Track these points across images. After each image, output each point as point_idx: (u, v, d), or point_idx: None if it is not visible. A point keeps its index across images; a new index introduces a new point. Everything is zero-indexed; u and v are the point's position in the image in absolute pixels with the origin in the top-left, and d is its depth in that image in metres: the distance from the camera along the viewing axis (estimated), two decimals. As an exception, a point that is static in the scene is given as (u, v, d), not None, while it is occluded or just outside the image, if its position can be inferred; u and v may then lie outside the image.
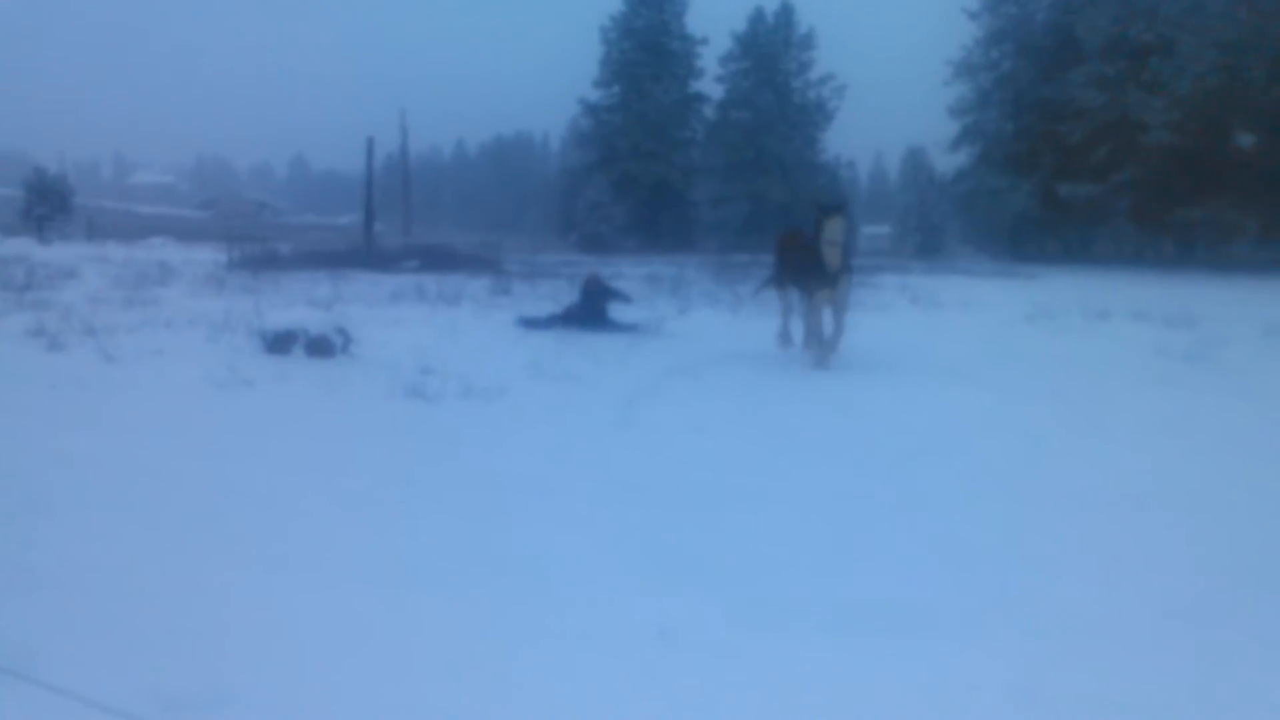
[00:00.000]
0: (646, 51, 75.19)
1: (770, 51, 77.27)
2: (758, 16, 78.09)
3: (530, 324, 15.99)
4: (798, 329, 13.65)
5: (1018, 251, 56.64)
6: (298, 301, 18.67)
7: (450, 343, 14.03)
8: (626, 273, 30.70)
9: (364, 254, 36.69)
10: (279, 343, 12.23)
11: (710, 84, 78.42)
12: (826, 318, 12.61)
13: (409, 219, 58.31)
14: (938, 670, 4.15)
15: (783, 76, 77.90)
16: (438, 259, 35.16)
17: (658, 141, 74.21)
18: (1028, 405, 10.04)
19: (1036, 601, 4.90)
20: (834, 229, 12.04)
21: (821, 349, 12.33)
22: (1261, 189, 44.41)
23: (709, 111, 78.80)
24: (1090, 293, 22.09)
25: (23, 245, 43.15)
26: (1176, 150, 45.24)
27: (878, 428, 9.00)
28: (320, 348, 12.16)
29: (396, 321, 16.65)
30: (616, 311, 16.41)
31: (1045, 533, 6.03)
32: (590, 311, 15.99)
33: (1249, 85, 43.62)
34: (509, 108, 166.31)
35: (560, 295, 21.42)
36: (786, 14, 78.11)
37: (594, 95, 77.28)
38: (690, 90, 77.60)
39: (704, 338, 15.23)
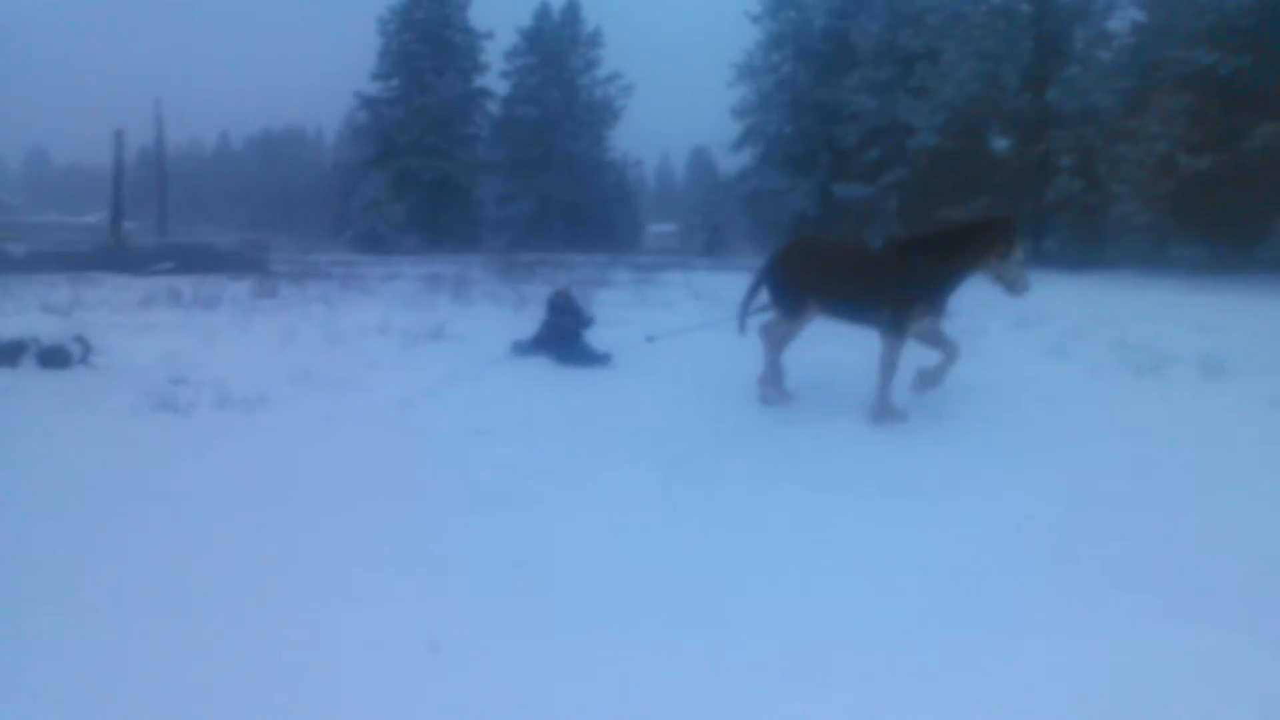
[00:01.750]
0: (428, 44, 75.18)
1: (557, 48, 78.61)
2: (544, 12, 79.31)
3: (518, 347, 13.86)
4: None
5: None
6: (30, 307, 17.39)
7: (207, 350, 13.49)
8: (406, 273, 30.59)
9: (112, 255, 35.31)
10: (4, 354, 11.50)
11: (495, 79, 79.05)
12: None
13: (164, 217, 56.50)
14: (720, 662, 4.44)
15: (569, 74, 79.38)
16: (196, 260, 34.09)
17: (440, 137, 74.29)
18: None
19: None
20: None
21: (928, 377, 10.48)
22: (1014, 189, 48.46)
23: (494, 107, 79.37)
24: None
25: None
26: (941, 153, 48.83)
27: (660, 421, 9.65)
28: (55, 358, 11.55)
29: (147, 328, 15.85)
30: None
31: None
32: (561, 335, 13.61)
33: (1004, 92, 47.54)
34: (278, 99, 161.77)
35: (333, 297, 21.17)
36: (573, 11, 79.64)
37: (372, 88, 76.70)
38: (474, 85, 78.00)
39: (485, 338, 14.95)
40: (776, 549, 6.22)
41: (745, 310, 11.18)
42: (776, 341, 10.86)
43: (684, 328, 13.20)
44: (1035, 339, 15.35)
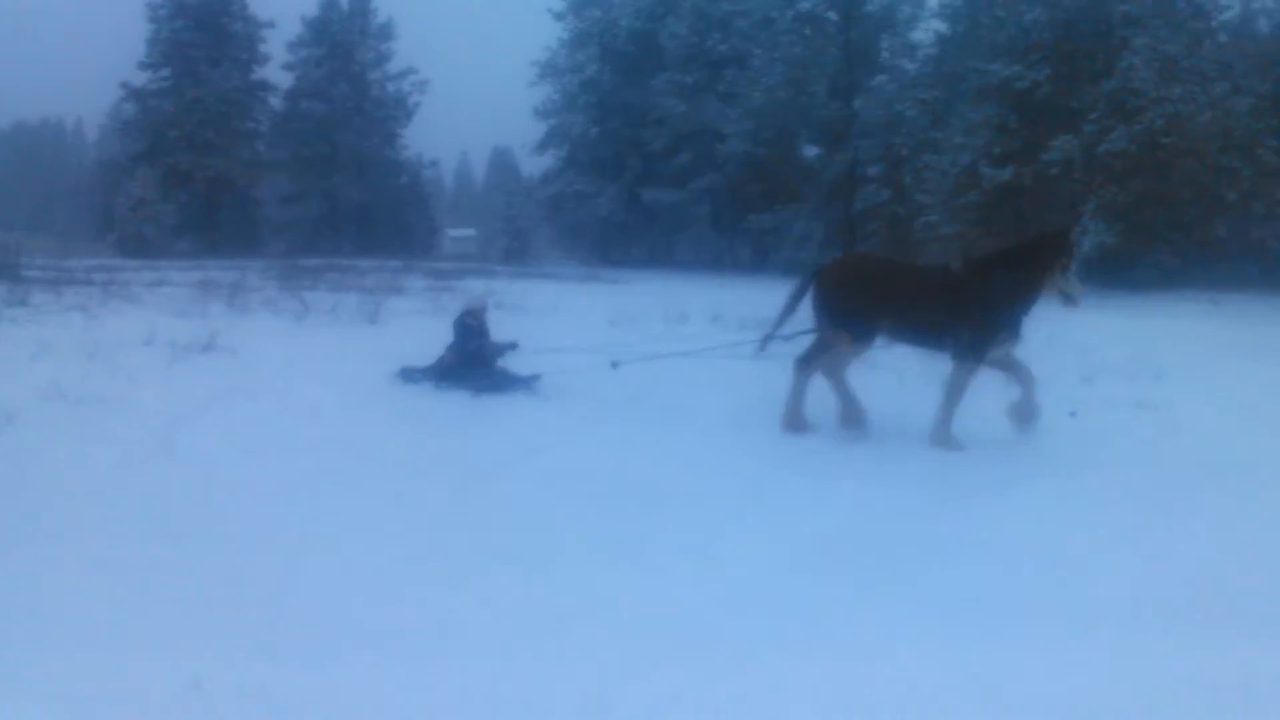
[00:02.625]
0: (203, 32, 71.88)
1: (345, 40, 76.46)
2: (330, 2, 77.05)
3: (409, 375, 12.41)
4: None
5: (605, 256, 59.84)
6: None
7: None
8: (176, 279, 28.68)
9: None
10: None
11: (277, 72, 76.27)
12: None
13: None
14: (495, 691, 4.45)
15: (359, 67, 77.32)
16: (-73, 267, 30.88)
17: (215, 132, 71.11)
18: (610, 409, 11.14)
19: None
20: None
21: (1023, 412, 9.94)
22: (824, 198, 50.06)
23: (276, 102, 76.61)
24: (672, 297, 23.31)
25: None
26: (751, 159, 50.02)
27: (457, 441, 9.50)
28: None
29: None
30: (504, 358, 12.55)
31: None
32: (471, 359, 12.10)
33: (812, 99, 49.06)
34: (32, 90, 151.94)
35: (93, 306, 19.02)
36: (362, 1, 77.64)
37: (139, 78, 72.71)
38: (254, 77, 75.07)
39: (263, 350, 14.20)
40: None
41: (773, 333, 10.59)
42: (831, 368, 10.31)
43: (656, 353, 12.43)
44: None
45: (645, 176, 57.54)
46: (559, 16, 63.85)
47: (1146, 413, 10.55)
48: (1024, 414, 9.81)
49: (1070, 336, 17.57)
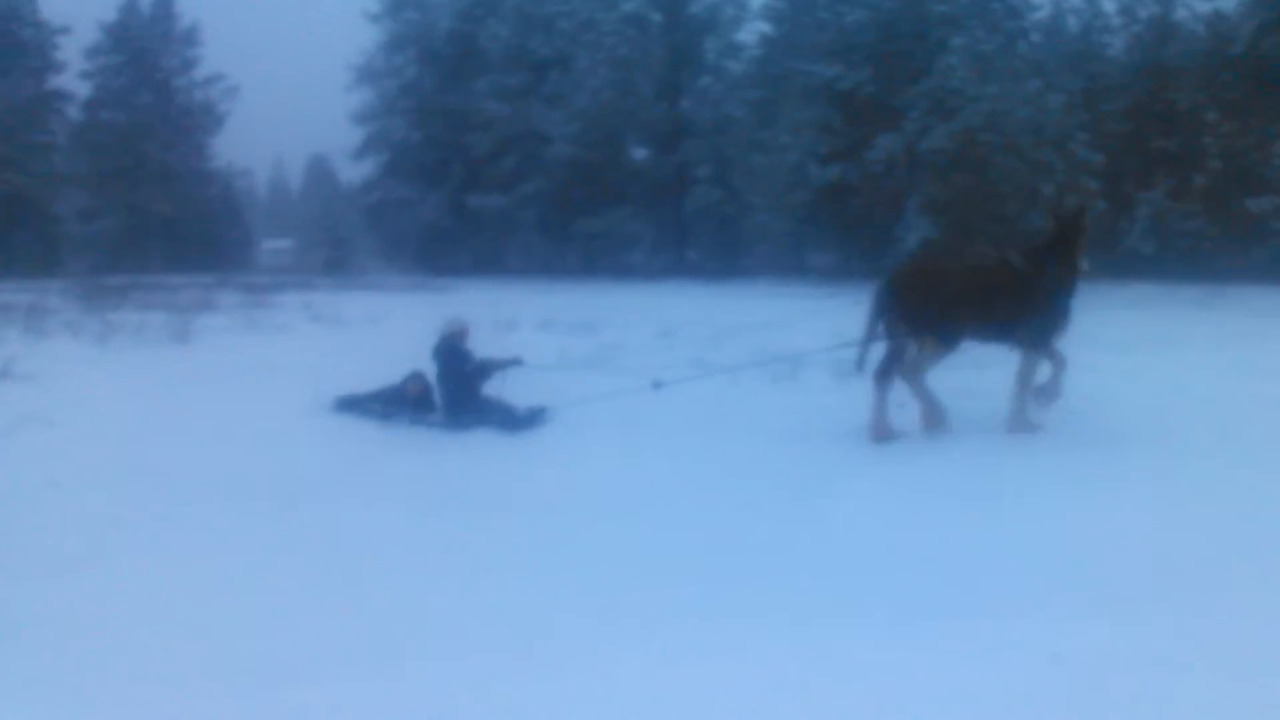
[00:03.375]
0: (-10, 38, 67.58)
1: (147, 46, 72.88)
2: (130, 6, 73.34)
3: (348, 405, 10.93)
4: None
5: (430, 264, 58.59)
6: None
7: None
8: None
9: None
10: None
11: (74, 80, 72.11)
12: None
13: None
14: None
15: (163, 75, 73.87)
16: None
17: (8, 145, 66.81)
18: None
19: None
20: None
21: (1050, 391, 10.07)
22: (654, 200, 50.04)
23: (74, 112, 72.45)
24: (500, 304, 23.13)
25: None
26: (578, 163, 49.59)
27: (262, 461, 9.05)
28: None
29: None
30: (495, 386, 10.84)
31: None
32: (453, 387, 10.58)
33: (639, 101, 48.97)
34: None
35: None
36: (165, 5, 74.17)
37: (-80, 88, 67.92)
38: (48, 86, 70.84)
39: (64, 377, 13.27)
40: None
41: (867, 345, 10.13)
42: (909, 372, 10.16)
43: (694, 375, 11.83)
44: (677, 349, 15.73)
45: (470, 182, 56.40)
46: (375, 19, 62.07)
47: (975, 401, 10.58)
48: (1052, 392, 9.95)
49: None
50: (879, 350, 10.09)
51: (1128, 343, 15.60)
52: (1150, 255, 38.62)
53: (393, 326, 21.00)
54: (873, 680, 4.47)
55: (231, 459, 9.03)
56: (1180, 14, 43.58)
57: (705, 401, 11.26)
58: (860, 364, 10.12)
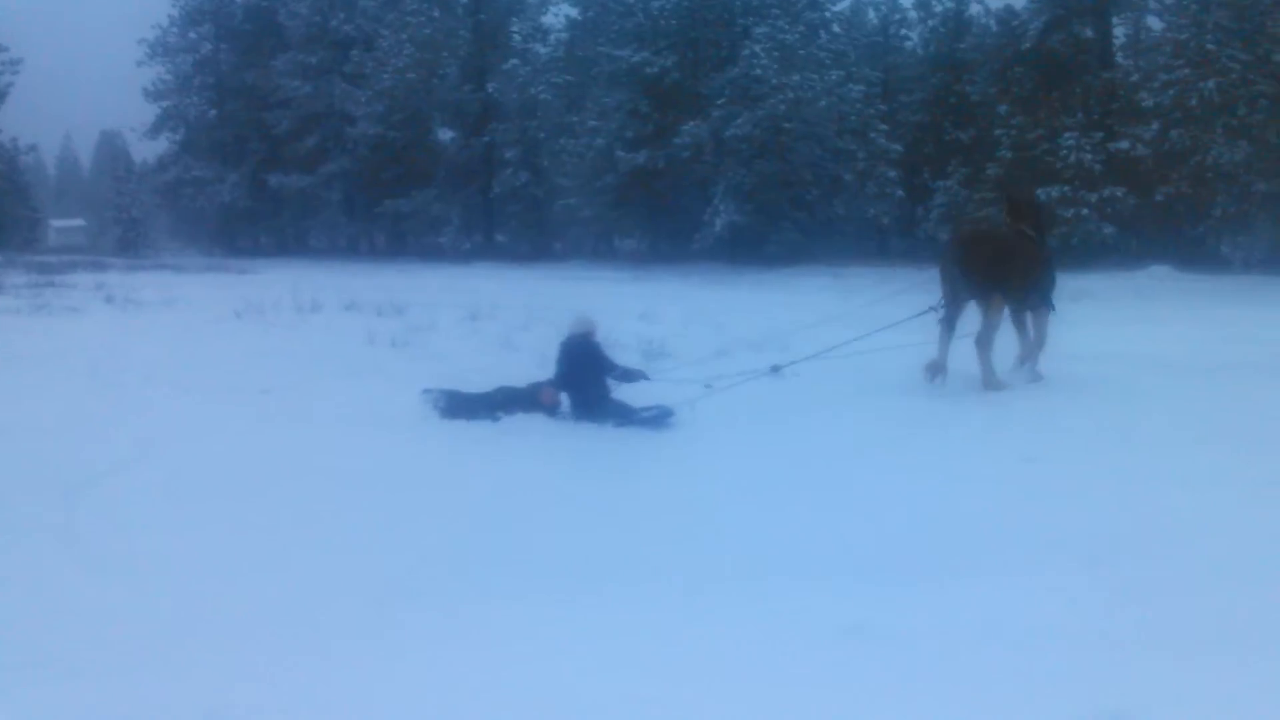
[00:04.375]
0: None
1: (-84, 11, 67.38)
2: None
3: (454, 405, 9.65)
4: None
5: (231, 245, 56.16)
6: None
7: None
8: None
9: None
10: None
11: None
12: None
13: None
14: None
15: (-65, 42, 68.31)
16: None
17: None
18: (235, 404, 9.95)
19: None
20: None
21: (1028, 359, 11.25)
22: (461, 182, 48.79)
23: None
24: (304, 286, 21.96)
25: None
26: (383, 143, 47.90)
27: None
28: None
29: None
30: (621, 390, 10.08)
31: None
32: (587, 387, 9.75)
33: (445, 82, 47.57)
34: None
35: None
36: (-63, -30, 68.69)
37: None
38: None
39: None
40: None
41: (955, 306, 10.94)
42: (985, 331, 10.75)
43: (817, 351, 11.27)
44: (485, 332, 15.50)
45: (271, 161, 54.02)
46: (169, -8, 58.72)
47: (779, 382, 10.80)
48: (1033, 364, 11.13)
49: (706, 313, 18.37)
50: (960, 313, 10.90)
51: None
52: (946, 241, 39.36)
53: (190, 308, 19.87)
54: (668, 647, 4.41)
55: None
56: (974, 9, 44.79)
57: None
58: (951, 324, 10.84)
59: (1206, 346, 13.44)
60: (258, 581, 5.25)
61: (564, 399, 9.73)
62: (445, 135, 49.49)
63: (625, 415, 9.44)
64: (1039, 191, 32.29)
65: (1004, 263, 10.61)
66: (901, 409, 9.91)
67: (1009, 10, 40.64)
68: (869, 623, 4.61)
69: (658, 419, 9.39)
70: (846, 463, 7.87)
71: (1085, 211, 34.02)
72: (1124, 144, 34.17)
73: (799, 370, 10.82)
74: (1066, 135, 34.85)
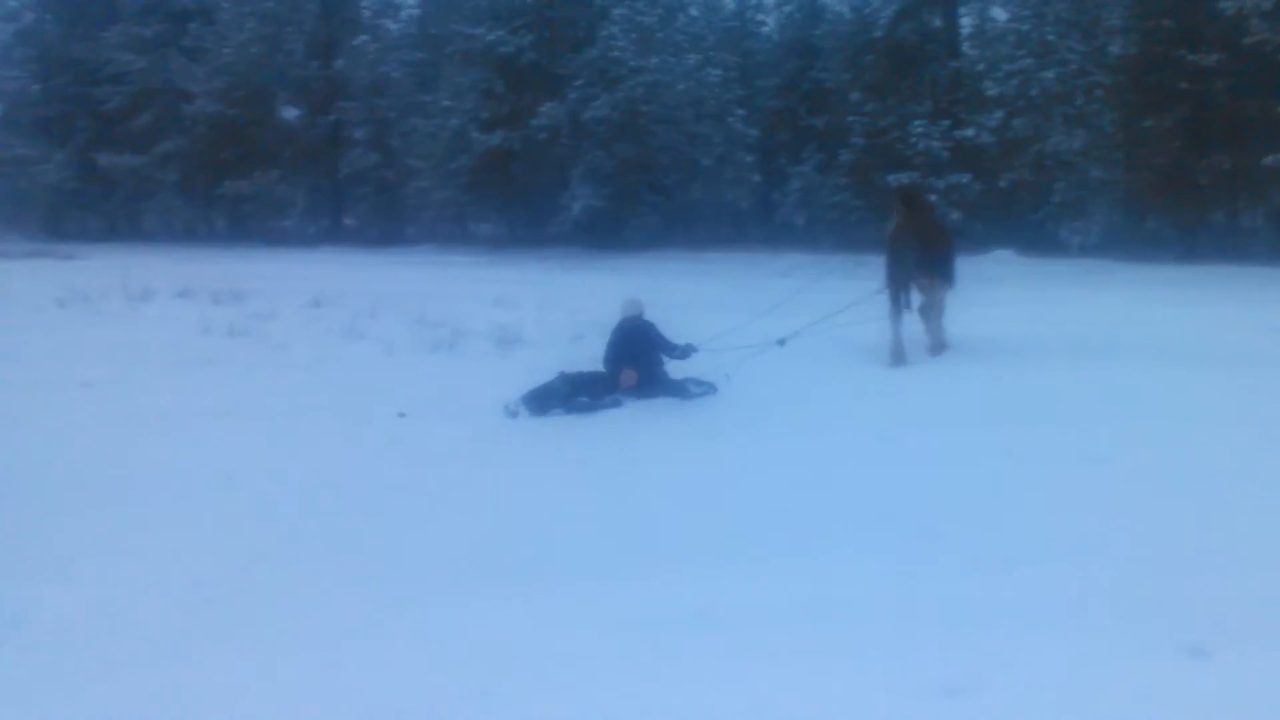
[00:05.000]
0: None
1: None
2: None
3: (537, 401, 9.70)
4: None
5: (57, 229, 53.22)
6: None
7: None
8: None
9: None
10: None
11: None
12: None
13: None
14: None
15: None
16: None
17: None
18: (51, 399, 9.67)
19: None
20: None
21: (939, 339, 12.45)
22: (308, 163, 47.24)
23: None
24: (135, 272, 21.19)
25: None
26: (223, 121, 46.01)
27: None
28: None
29: None
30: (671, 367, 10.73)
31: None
32: (646, 366, 10.30)
33: (290, 58, 45.99)
34: None
35: None
36: None
37: None
38: None
39: None
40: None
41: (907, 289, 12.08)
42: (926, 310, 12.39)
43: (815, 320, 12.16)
44: (330, 319, 15.25)
45: (101, 140, 51.18)
46: (-13, -44, 55.24)
47: None
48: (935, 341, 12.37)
49: (561, 298, 18.41)
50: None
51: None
52: (802, 226, 40.07)
53: (7, 297, 18.75)
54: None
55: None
56: (828, -3, 45.46)
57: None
58: (901, 305, 11.83)
59: (1043, 328, 14.06)
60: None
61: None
62: (290, 114, 47.70)
63: (679, 391, 10.09)
64: (889, 177, 33.42)
65: (948, 249, 12.40)
66: (756, 393, 10.13)
67: (861, -1, 41.54)
68: (713, 607, 4.67)
69: (705, 393, 10.09)
70: (699, 448, 8.02)
71: (933, 198, 34.86)
72: (970, 132, 35.19)
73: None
74: (916, 123, 35.69)
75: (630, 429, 8.83)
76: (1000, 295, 18.58)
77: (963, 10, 39.70)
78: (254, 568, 5.39)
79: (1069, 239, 33.22)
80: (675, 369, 10.55)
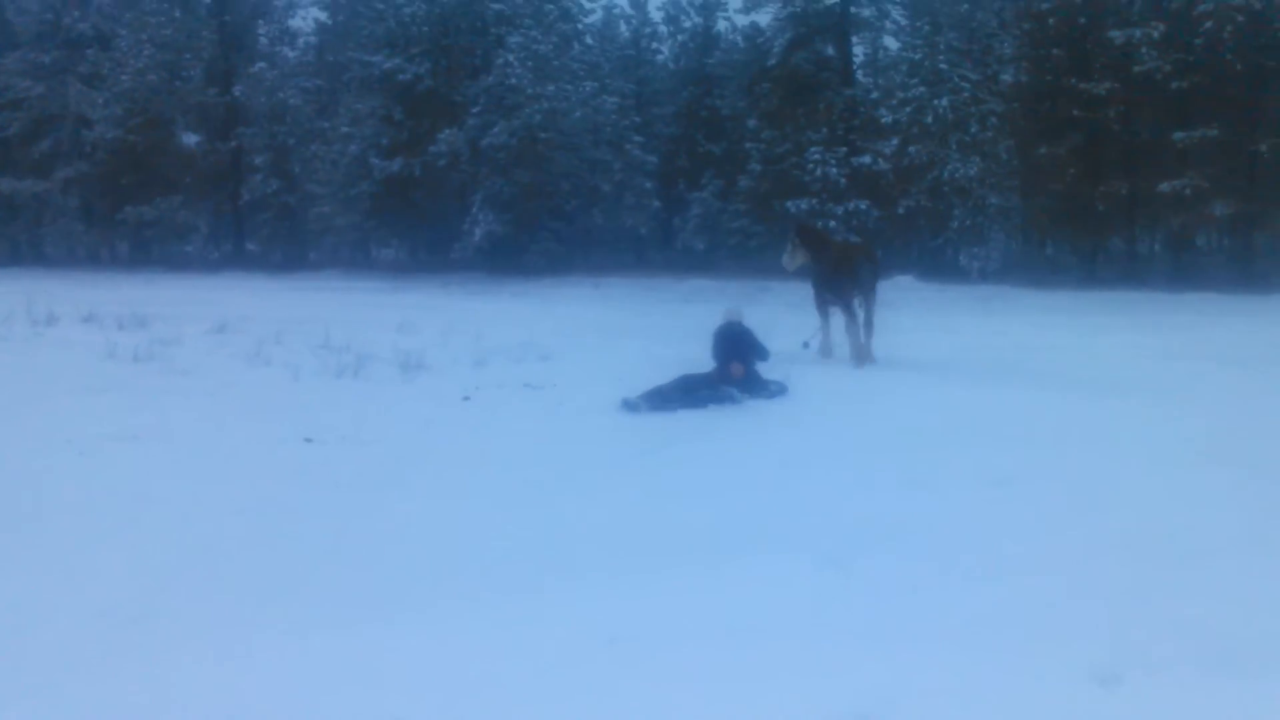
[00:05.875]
0: None
1: None
2: None
3: (655, 402, 9.81)
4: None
5: (-44, 256, 47.88)
6: None
7: None
8: None
9: None
10: None
11: None
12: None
13: None
14: None
15: None
16: None
17: None
18: None
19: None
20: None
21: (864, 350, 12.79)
22: (209, 189, 42.95)
23: None
24: (39, 297, 18.87)
25: None
26: (124, 147, 41.56)
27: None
28: None
29: None
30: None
31: None
32: (749, 367, 10.80)
33: (189, 84, 41.73)
34: None
35: None
36: None
37: None
38: None
39: None
40: None
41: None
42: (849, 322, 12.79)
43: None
44: (234, 345, 14.02)
45: (1, 165, 46.14)
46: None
47: (533, 392, 10.68)
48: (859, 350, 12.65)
49: (464, 323, 17.32)
50: None
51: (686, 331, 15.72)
52: (703, 251, 36.91)
53: None
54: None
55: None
56: (721, 25, 42.39)
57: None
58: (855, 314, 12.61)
59: (945, 352, 13.97)
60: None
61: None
62: (190, 140, 43.34)
63: (763, 388, 10.57)
64: (789, 204, 30.44)
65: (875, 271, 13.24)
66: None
67: (755, 28, 38.66)
68: (627, 630, 4.36)
69: (780, 391, 10.61)
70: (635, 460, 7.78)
71: (833, 224, 32.04)
72: (866, 159, 32.47)
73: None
74: (812, 150, 32.88)
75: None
76: (902, 321, 17.73)
77: (855, 39, 37.12)
78: (162, 592, 4.95)
79: (969, 265, 30.52)
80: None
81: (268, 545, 5.68)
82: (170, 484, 6.94)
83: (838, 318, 12.66)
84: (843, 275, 12.47)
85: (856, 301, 12.54)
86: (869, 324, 12.70)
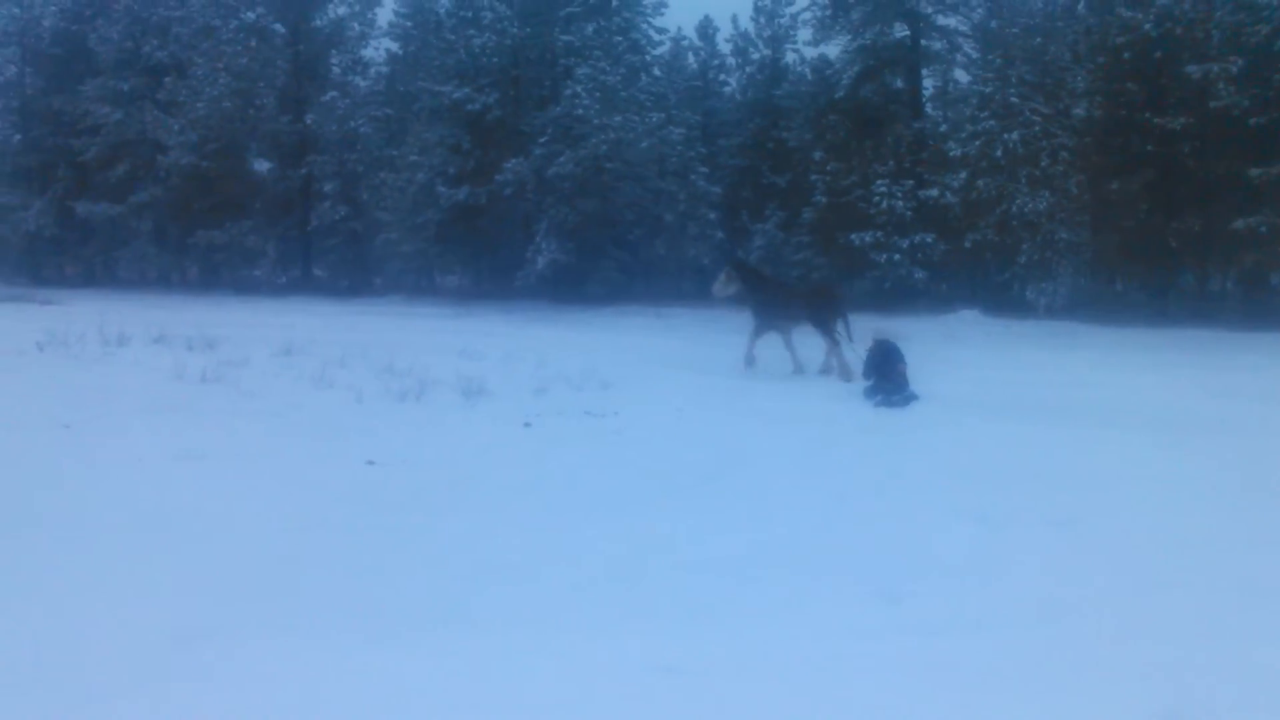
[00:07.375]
0: None
1: None
2: None
3: (889, 397, 12.81)
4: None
5: (35, 275, 49.87)
6: None
7: None
8: None
9: None
10: None
11: None
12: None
13: None
14: None
15: None
16: None
17: None
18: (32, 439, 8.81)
19: None
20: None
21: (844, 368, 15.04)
22: (279, 214, 43.90)
23: None
24: (111, 317, 19.34)
25: None
26: (197, 172, 42.69)
27: None
28: None
29: None
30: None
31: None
32: (887, 376, 13.37)
33: (261, 112, 42.70)
34: None
35: None
36: None
37: None
38: None
39: None
40: None
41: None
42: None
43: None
44: (299, 367, 14.25)
45: (79, 189, 47.99)
46: (-30, 12, 51.45)
47: (593, 420, 10.71)
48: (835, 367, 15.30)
49: (526, 350, 17.62)
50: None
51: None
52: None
53: None
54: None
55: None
56: (790, 58, 42.54)
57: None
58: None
59: (1008, 389, 13.92)
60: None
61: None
62: (262, 166, 44.41)
63: (909, 391, 12.83)
64: (853, 236, 30.39)
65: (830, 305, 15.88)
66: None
67: (823, 60, 38.61)
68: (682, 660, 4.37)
69: (914, 398, 12.65)
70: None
71: (897, 257, 31.98)
72: (933, 192, 32.28)
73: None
74: (879, 182, 32.85)
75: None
76: (965, 355, 18.33)
77: (925, 72, 36.87)
78: (225, 609, 5.08)
79: (1035, 300, 30.08)
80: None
81: (329, 564, 5.82)
82: (234, 503, 7.11)
83: (791, 336, 15.91)
84: (822, 308, 15.60)
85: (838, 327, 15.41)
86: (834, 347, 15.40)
